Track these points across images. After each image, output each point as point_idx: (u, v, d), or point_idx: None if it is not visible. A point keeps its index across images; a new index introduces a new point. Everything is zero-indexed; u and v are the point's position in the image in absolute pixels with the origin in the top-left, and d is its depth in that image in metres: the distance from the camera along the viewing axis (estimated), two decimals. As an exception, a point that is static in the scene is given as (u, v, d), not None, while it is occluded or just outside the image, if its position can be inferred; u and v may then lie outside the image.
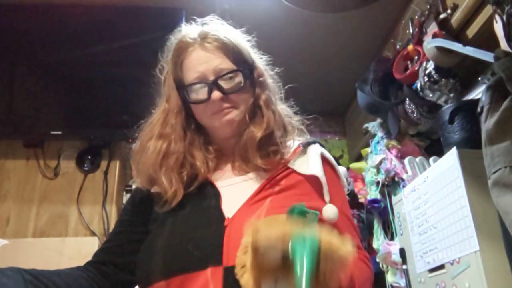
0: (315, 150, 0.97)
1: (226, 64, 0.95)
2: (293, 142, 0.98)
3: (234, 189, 0.92)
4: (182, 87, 0.97)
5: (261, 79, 1.01)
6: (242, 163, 0.94)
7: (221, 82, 0.93)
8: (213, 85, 0.92)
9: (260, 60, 1.04)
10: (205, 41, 0.96)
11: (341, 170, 1.03)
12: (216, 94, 0.92)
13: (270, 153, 0.94)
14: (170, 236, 0.85)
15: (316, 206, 0.85)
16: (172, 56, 1.00)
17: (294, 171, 0.93)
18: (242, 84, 0.94)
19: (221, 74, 0.93)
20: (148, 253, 0.86)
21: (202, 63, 0.95)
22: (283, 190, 0.90)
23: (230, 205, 0.86)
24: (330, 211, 0.87)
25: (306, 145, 0.98)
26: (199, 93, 0.94)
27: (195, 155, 0.95)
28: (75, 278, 0.86)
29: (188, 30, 1.00)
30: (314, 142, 1.00)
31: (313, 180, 0.92)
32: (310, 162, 0.94)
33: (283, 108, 1.04)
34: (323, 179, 0.92)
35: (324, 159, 0.97)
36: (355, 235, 0.93)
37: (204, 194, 0.90)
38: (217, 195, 0.89)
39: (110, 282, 0.91)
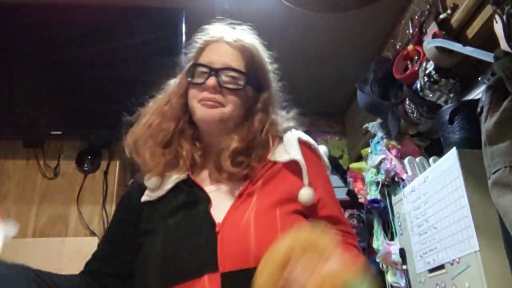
0: (292, 136, 0.98)
1: (237, 63, 0.96)
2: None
3: (220, 191, 0.92)
4: (190, 67, 0.99)
5: (266, 103, 1.00)
6: (216, 172, 0.94)
7: (222, 74, 0.94)
8: (214, 72, 0.94)
9: (276, 89, 1.05)
10: (233, 40, 0.99)
11: (322, 149, 1.03)
12: (211, 80, 0.93)
13: (243, 164, 0.93)
14: (164, 246, 0.84)
15: (294, 192, 0.88)
16: (200, 42, 1.02)
17: (274, 163, 0.94)
18: (241, 87, 0.95)
19: (226, 67, 0.94)
20: (143, 265, 0.86)
21: (218, 53, 0.97)
22: (265, 184, 0.90)
23: (218, 209, 0.87)
24: (305, 194, 0.90)
25: (283, 133, 0.99)
26: (199, 76, 0.96)
27: (182, 144, 0.96)
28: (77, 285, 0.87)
29: (226, 28, 1.02)
30: (289, 129, 1.01)
31: (292, 165, 0.93)
32: (287, 148, 0.95)
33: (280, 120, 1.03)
34: (301, 161, 0.93)
35: (301, 142, 0.98)
36: (342, 214, 0.97)
37: (195, 199, 0.90)
38: (207, 199, 0.89)
39: None
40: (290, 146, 0.96)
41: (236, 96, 0.95)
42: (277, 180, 0.92)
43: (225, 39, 0.99)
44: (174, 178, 0.93)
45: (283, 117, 1.03)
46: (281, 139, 0.98)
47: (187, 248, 0.82)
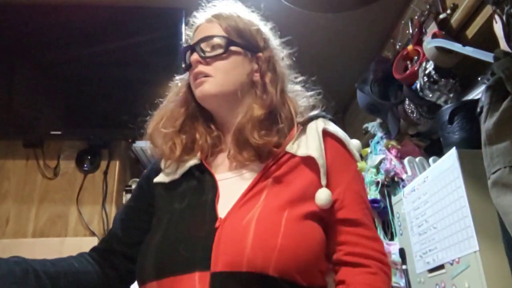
0: (316, 126, 0.90)
1: (214, 31, 0.93)
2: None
3: (231, 183, 0.86)
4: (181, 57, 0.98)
5: (270, 62, 0.95)
6: (236, 150, 0.87)
7: (202, 46, 0.91)
8: (194, 46, 0.92)
9: (277, 48, 1.00)
10: (210, 15, 0.96)
11: (354, 143, 0.94)
12: (193, 56, 0.90)
13: (272, 133, 0.87)
14: (164, 235, 0.82)
15: (311, 191, 0.81)
16: (189, 36, 1.01)
17: (292, 155, 0.86)
18: (223, 50, 0.90)
19: (202, 38, 0.92)
20: (143, 252, 0.84)
21: (197, 33, 0.95)
22: (278, 181, 0.84)
23: (224, 202, 0.82)
24: (321, 197, 0.82)
25: (307, 122, 0.91)
26: (186, 59, 0.95)
27: (196, 127, 0.93)
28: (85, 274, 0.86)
29: (206, 11, 1.00)
30: (316, 117, 0.92)
31: (311, 162, 0.85)
32: (308, 141, 0.88)
33: (298, 97, 0.98)
34: (319, 160, 0.85)
35: (327, 134, 0.90)
36: (367, 217, 0.86)
37: (203, 186, 0.86)
38: (215, 188, 0.84)
39: (119, 272, 0.90)
40: (311, 138, 0.88)
41: (222, 60, 0.90)
42: (292, 176, 0.84)
43: (203, 21, 0.97)
44: (188, 163, 0.89)
45: (299, 94, 0.97)
46: (303, 128, 0.90)
47: (184, 241, 0.78)
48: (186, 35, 1.02)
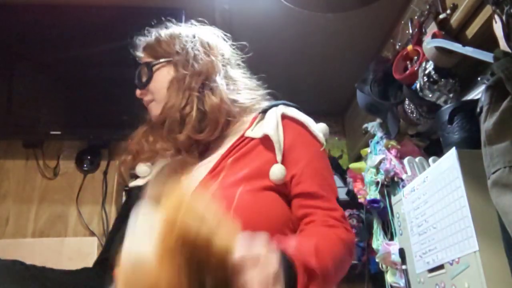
0: (275, 111, 0.95)
1: (142, 60, 1.04)
2: (252, 114, 0.99)
3: (197, 171, 0.93)
4: None
5: (187, 64, 0.99)
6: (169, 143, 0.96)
7: (138, 80, 1.01)
8: (135, 82, 1.02)
9: (190, 45, 1.02)
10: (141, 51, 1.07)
11: (320, 126, 0.97)
12: (136, 92, 1.02)
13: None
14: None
15: (266, 168, 0.86)
16: None
17: (251, 139, 0.93)
18: (148, 76, 1.00)
19: (135, 73, 1.02)
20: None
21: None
22: (236, 160, 0.89)
23: (191, 182, 0.87)
24: (274, 171, 0.86)
25: (267, 109, 0.96)
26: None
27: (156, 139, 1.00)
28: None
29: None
30: (277, 105, 0.97)
31: (268, 141, 0.90)
32: (264, 124, 0.93)
33: (234, 87, 1.02)
34: (274, 137, 0.89)
35: (286, 117, 0.94)
36: (325, 190, 0.88)
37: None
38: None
39: None
40: (268, 121, 0.93)
41: (154, 85, 1.00)
42: (251, 156, 0.90)
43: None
44: (160, 163, 0.96)
45: (241, 87, 1.03)
46: (263, 116, 0.96)
47: None
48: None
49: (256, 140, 0.92)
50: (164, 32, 1.06)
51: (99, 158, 2.02)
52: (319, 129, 0.97)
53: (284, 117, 0.94)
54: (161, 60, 1.01)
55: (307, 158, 0.90)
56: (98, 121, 1.97)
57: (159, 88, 0.99)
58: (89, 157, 2.01)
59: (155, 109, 0.99)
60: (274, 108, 0.96)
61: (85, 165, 2.00)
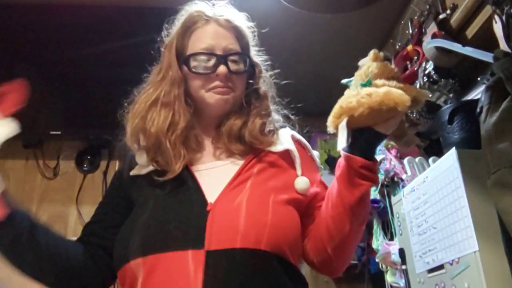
0: (286, 132, 1.03)
1: (235, 46, 0.98)
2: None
3: (213, 172, 0.93)
4: (183, 57, 0.98)
5: (262, 74, 1.04)
6: (220, 150, 0.97)
7: (229, 61, 0.95)
8: (222, 59, 0.94)
9: (259, 58, 1.08)
10: (222, 19, 0.99)
11: (315, 153, 1.07)
12: (222, 69, 0.94)
13: (248, 143, 0.96)
14: (151, 215, 0.85)
15: (290, 180, 0.91)
16: (182, 25, 1.02)
17: (269, 152, 0.96)
18: (245, 69, 0.98)
19: (231, 53, 0.96)
20: (127, 231, 0.86)
21: (214, 37, 0.97)
22: (261, 171, 0.92)
23: (211, 189, 0.87)
24: (301, 182, 0.92)
25: (278, 129, 1.04)
26: (204, 64, 0.95)
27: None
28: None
29: (204, 6, 1.02)
30: (284, 127, 1.06)
31: (286, 156, 0.96)
32: (282, 140, 0.99)
33: (274, 109, 1.08)
34: (295, 152, 0.96)
35: (295, 140, 1.02)
36: None
37: (180, 175, 0.90)
38: (193, 178, 0.90)
39: (98, 266, 0.92)
40: (284, 138, 1.00)
41: (242, 78, 0.99)
42: (272, 169, 0.94)
43: (214, 20, 0.99)
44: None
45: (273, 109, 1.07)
46: (275, 132, 1.02)
47: (175, 221, 0.82)
48: (177, 28, 1.04)
49: (275, 154, 0.96)
50: (251, 36, 1.06)
51: (99, 158, 2.02)
52: (316, 155, 1.07)
53: (292, 138, 1.02)
54: (250, 61, 1.03)
55: (319, 180, 1.00)
56: (98, 121, 1.97)
57: (242, 85, 1.00)
58: (89, 157, 2.01)
59: (231, 100, 0.98)
60: (283, 129, 1.04)
61: (85, 165, 2.00)
